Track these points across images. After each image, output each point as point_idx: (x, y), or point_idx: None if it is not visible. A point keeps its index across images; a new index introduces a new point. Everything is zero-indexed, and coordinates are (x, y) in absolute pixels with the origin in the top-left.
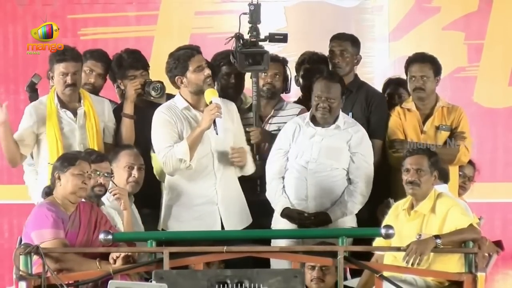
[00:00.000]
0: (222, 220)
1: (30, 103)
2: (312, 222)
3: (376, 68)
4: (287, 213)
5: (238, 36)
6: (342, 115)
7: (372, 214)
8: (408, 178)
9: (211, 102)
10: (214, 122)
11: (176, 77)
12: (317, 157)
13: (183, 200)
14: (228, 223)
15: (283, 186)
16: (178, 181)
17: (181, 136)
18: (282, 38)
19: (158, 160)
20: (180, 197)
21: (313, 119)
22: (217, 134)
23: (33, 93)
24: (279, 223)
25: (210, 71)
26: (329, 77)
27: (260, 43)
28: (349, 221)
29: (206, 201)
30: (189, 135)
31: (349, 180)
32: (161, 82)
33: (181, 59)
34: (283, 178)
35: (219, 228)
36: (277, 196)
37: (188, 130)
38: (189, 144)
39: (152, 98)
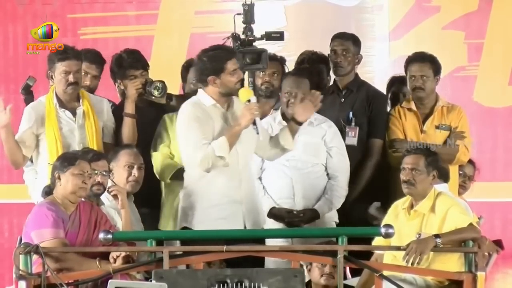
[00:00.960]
0: (245, 219)
1: (28, 104)
2: (301, 220)
3: (376, 67)
4: (274, 213)
5: (235, 36)
6: None
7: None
8: (403, 177)
9: (248, 101)
10: (254, 121)
11: (209, 77)
12: (296, 155)
13: (206, 199)
14: (250, 222)
15: (263, 187)
16: (200, 180)
17: (212, 133)
18: (278, 36)
19: (194, 156)
20: (202, 196)
21: (284, 117)
22: (257, 133)
23: (28, 95)
24: (266, 223)
25: (243, 75)
26: (297, 73)
27: (258, 42)
28: (334, 216)
29: (230, 201)
30: (228, 133)
31: (328, 175)
32: (163, 82)
33: (219, 60)
34: (260, 179)
35: (242, 227)
36: (260, 197)
37: (218, 127)
38: (228, 141)
39: (153, 97)
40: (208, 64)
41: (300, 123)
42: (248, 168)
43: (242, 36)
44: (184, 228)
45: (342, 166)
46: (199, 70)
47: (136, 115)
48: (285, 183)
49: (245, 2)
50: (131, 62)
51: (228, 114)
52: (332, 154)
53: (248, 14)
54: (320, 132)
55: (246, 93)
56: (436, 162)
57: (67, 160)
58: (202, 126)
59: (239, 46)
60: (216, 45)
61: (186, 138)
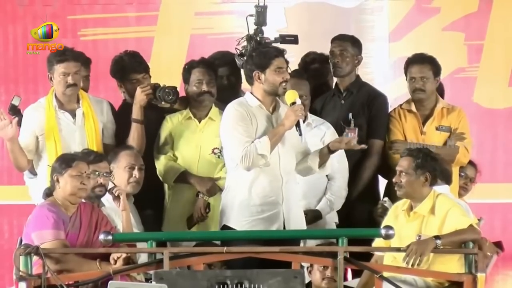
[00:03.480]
0: (285, 221)
1: (28, 106)
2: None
3: (376, 68)
4: None
5: (249, 37)
6: (308, 114)
7: (371, 215)
8: (393, 179)
9: (293, 103)
10: (298, 123)
11: (255, 72)
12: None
13: (247, 198)
14: (290, 225)
15: None
16: (242, 180)
17: (255, 133)
18: (293, 39)
19: (236, 153)
20: (244, 195)
21: None
22: (300, 135)
23: (16, 114)
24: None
25: (289, 76)
26: (297, 75)
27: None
28: (334, 217)
29: (273, 201)
30: (271, 133)
31: (327, 176)
32: (175, 88)
33: (267, 55)
34: None
35: (281, 229)
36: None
37: (262, 128)
38: (270, 141)
39: (163, 103)
40: (256, 59)
41: (332, 152)
42: (289, 171)
43: (267, 40)
44: (224, 226)
45: (341, 167)
46: (247, 66)
47: (143, 120)
48: None
49: (258, 4)
50: (133, 65)
51: (273, 118)
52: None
53: (261, 16)
54: (318, 133)
55: (292, 95)
56: (428, 164)
57: (64, 162)
58: (246, 125)
59: (258, 47)
60: (267, 44)
61: (230, 136)
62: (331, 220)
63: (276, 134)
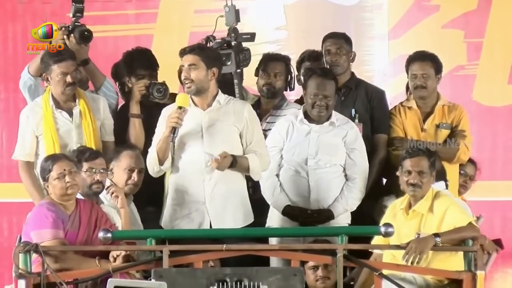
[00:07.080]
0: (211, 219)
1: (25, 107)
2: (315, 219)
3: (376, 66)
4: (289, 211)
5: (208, 38)
6: (334, 112)
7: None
8: (410, 180)
9: (180, 108)
10: (174, 130)
11: None
12: (314, 154)
13: (171, 198)
14: (217, 222)
15: (280, 184)
16: (170, 179)
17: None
18: (249, 37)
19: None
20: (169, 195)
21: (306, 116)
22: (171, 141)
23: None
24: (275, 221)
25: (191, 75)
26: (324, 74)
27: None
28: (346, 218)
29: (193, 200)
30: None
31: (346, 176)
32: (164, 83)
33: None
34: (277, 175)
35: (207, 227)
36: (276, 194)
37: (189, 126)
38: (156, 149)
39: (156, 99)
40: None
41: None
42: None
43: (218, 39)
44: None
45: (361, 169)
46: None
47: (142, 114)
48: (301, 181)
49: (226, 4)
50: (140, 61)
51: (204, 115)
52: (352, 156)
53: (230, 17)
54: (341, 133)
55: (179, 99)
56: (436, 162)
57: (44, 167)
58: (159, 131)
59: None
60: (217, 44)
61: None
62: (343, 221)
63: (159, 142)
